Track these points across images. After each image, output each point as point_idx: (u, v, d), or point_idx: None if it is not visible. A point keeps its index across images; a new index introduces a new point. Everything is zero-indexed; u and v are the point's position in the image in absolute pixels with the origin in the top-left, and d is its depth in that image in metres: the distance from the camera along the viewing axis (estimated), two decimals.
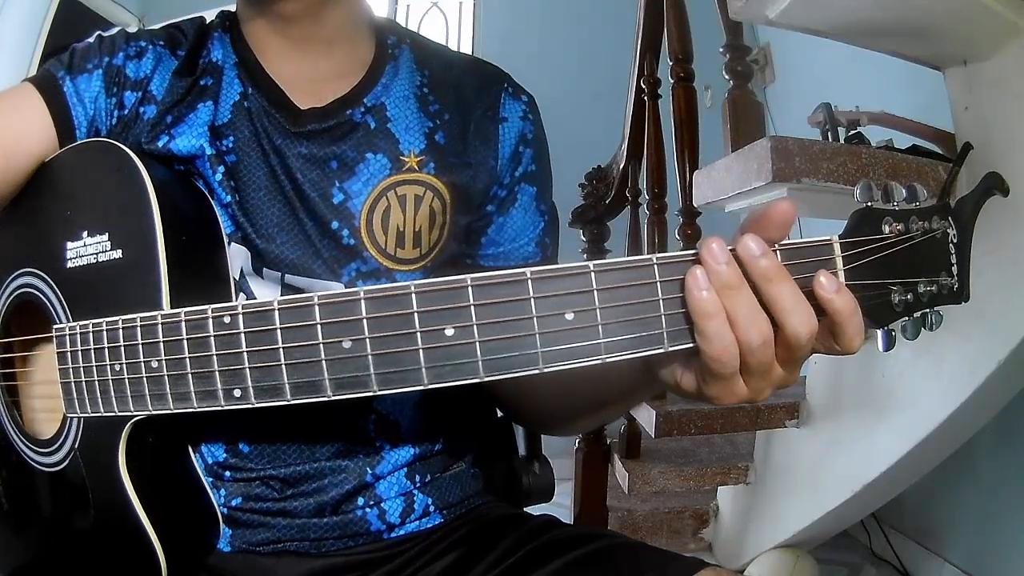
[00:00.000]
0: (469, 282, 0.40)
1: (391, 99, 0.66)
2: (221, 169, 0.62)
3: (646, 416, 1.55)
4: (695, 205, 1.46)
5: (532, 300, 0.39)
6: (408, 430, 0.66)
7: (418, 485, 0.66)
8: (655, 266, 0.40)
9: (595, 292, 0.40)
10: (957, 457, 1.40)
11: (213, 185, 0.62)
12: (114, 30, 0.67)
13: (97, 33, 0.66)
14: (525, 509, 0.78)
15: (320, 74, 0.65)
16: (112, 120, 0.63)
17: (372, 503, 0.64)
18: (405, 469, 0.66)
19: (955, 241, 0.44)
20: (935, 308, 0.44)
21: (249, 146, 0.62)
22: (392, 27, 0.71)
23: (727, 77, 1.60)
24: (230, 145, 0.62)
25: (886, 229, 0.42)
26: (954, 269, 0.44)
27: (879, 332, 0.43)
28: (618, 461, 1.76)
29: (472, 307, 0.39)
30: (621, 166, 1.95)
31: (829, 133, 1.50)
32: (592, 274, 0.40)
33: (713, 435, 1.75)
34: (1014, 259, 1.05)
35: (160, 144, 0.61)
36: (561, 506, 1.79)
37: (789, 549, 1.60)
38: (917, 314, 0.43)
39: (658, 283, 0.40)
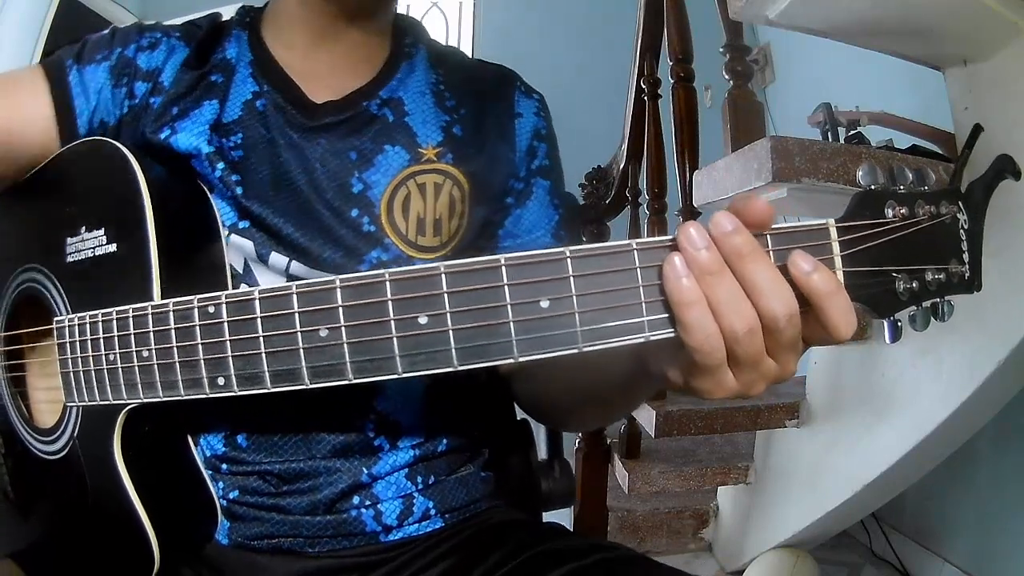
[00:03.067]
0: (443, 269, 0.39)
1: (408, 94, 0.67)
2: (220, 165, 0.62)
3: (646, 416, 1.55)
4: (695, 205, 1.45)
5: (506, 287, 0.38)
6: (409, 430, 0.65)
7: (419, 487, 0.65)
8: (635, 252, 0.39)
9: (572, 279, 0.38)
10: (957, 457, 1.39)
11: (213, 181, 0.62)
12: (129, 22, 0.68)
13: (112, 25, 0.68)
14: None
15: (337, 69, 0.66)
16: (123, 109, 0.64)
17: (368, 503, 0.63)
18: (406, 470, 0.64)
19: (966, 227, 0.41)
20: (945, 298, 0.41)
21: (259, 143, 0.63)
22: (410, 27, 0.73)
23: (727, 77, 1.60)
24: (238, 141, 0.63)
25: (889, 213, 0.39)
26: (965, 256, 0.41)
27: (885, 323, 0.41)
28: (618, 461, 1.76)
29: (445, 295, 0.39)
30: (621, 166, 1.95)
31: (829, 133, 1.50)
32: (568, 260, 0.38)
33: (713, 435, 1.74)
34: (1014, 260, 1.05)
35: (162, 136, 0.62)
36: None
37: (789, 549, 1.60)
38: (926, 303, 0.41)
39: (638, 269, 0.38)
